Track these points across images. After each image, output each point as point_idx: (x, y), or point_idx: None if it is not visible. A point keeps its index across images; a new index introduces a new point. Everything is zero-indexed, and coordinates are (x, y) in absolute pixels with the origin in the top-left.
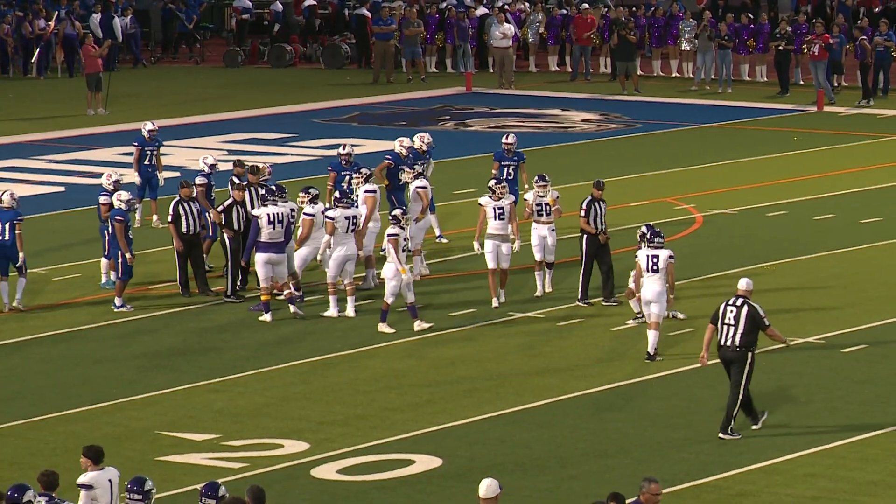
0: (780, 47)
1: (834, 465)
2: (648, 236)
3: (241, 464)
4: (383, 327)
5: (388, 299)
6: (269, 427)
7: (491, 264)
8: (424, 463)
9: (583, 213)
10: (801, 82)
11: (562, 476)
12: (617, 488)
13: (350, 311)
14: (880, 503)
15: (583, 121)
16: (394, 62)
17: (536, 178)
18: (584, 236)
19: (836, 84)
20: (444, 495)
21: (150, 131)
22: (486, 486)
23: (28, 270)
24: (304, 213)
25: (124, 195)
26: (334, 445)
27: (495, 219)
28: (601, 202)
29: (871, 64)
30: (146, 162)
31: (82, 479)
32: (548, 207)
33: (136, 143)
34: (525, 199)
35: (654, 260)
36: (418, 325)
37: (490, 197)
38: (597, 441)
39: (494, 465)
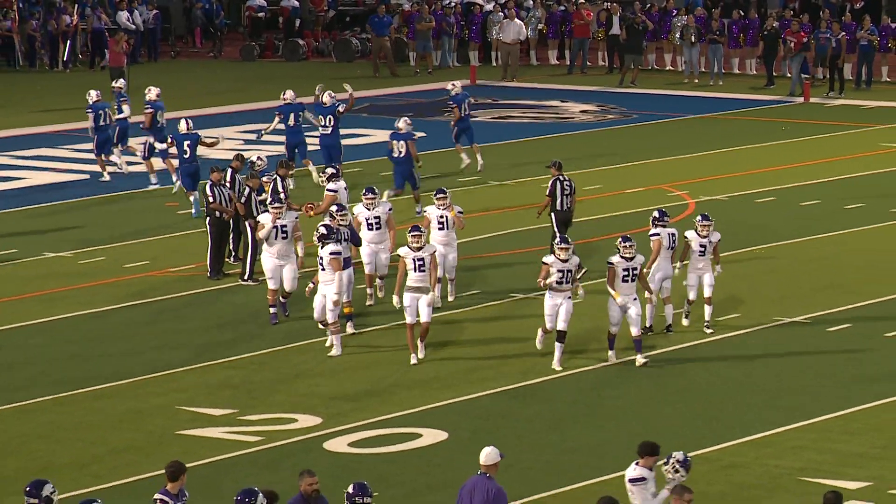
0: (769, 30)
1: (820, 438)
2: (658, 216)
3: (258, 437)
4: (611, 355)
5: (612, 329)
6: (283, 402)
7: (409, 319)
8: (431, 436)
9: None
10: (789, 75)
11: (562, 449)
12: (614, 461)
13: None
14: (863, 473)
15: (581, 111)
16: (394, 55)
17: (560, 240)
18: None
19: (821, 76)
20: (450, 467)
21: (157, 94)
22: (486, 454)
23: (53, 255)
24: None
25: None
26: (346, 420)
27: (415, 270)
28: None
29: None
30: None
31: None
32: (569, 275)
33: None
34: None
35: (674, 238)
36: (640, 359)
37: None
38: (595, 416)
39: (497, 438)
